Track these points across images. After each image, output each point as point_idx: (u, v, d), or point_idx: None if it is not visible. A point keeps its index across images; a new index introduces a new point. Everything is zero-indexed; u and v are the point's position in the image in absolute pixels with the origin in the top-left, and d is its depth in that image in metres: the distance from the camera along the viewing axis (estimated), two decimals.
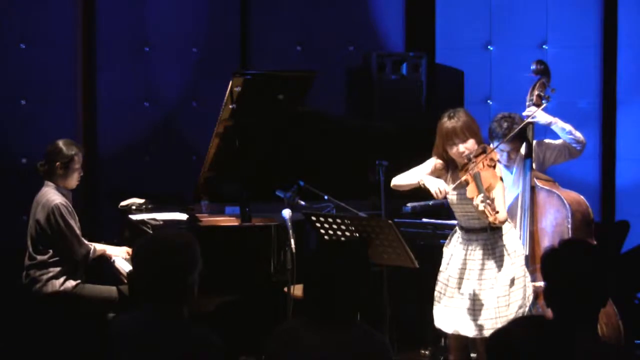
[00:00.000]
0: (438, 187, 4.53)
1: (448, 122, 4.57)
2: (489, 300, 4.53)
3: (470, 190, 4.43)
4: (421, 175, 4.67)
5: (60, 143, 5.28)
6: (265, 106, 5.86)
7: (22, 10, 6.89)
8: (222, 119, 5.69)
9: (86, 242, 5.29)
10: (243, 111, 5.62)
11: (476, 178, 4.43)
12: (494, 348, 2.47)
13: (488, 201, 4.30)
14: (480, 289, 4.57)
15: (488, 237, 4.59)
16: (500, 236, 4.62)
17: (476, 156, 4.50)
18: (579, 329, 2.80)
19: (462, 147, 4.55)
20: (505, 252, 4.59)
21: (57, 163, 5.21)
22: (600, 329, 4.66)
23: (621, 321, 5.04)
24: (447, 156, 4.68)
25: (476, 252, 4.60)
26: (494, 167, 4.54)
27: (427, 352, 5.84)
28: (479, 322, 4.54)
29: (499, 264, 4.57)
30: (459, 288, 4.61)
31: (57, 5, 7.05)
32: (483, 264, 4.58)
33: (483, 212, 4.29)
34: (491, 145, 4.92)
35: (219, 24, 7.54)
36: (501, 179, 4.60)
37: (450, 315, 4.63)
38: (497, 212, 4.30)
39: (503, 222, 4.48)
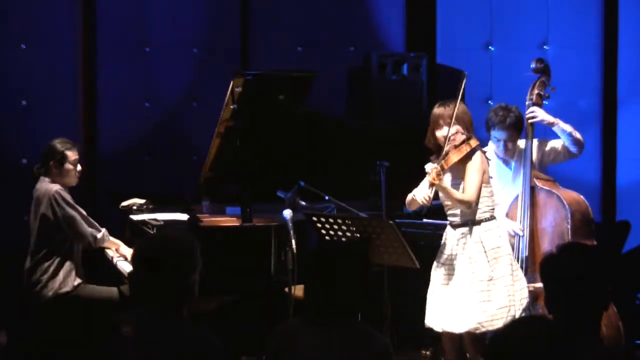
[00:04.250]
0: (421, 195, 4.65)
1: (438, 108, 4.70)
2: (468, 295, 4.58)
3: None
4: (413, 191, 4.79)
5: (53, 142, 5.30)
6: (266, 106, 5.86)
7: (23, 11, 6.89)
8: (222, 119, 5.69)
9: (90, 230, 5.26)
10: (244, 111, 5.62)
11: (445, 155, 4.62)
12: (494, 349, 2.46)
13: (436, 166, 4.50)
14: (460, 283, 4.63)
15: (468, 231, 4.66)
16: (484, 232, 4.67)
17: (456, 145, 4.61)
18: (580, 332, 2.79)
19: (445, 131, 4.62)
20: (483, 249, 4.64)
21: (51, 162, 5.22)
22: (601, 329, 4.65)
23: (621, 322, 5.04)
24: (436, 144, 4.74)
25: (458, 247, 4.68)
26: (469, 153, 4.66)
27: (427, 353, 5.84)
28: (457, 317, 4.58)
29: (477, 259, 4.63)
30: (445, 284, 4.68)
31: (58, 5, 7.05)
32: (464, 259, 4.65)
33: (430, 176, 4.50)
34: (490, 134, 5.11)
35: (219, 24, 7.54)
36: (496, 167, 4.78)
37: (437, 312, 4.69)
38: (439, 175, 4.50)
39: (466, 201, 4.63)
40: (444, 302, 4.67)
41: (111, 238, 5.43)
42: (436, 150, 4.79)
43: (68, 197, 5.18)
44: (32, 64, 6.91)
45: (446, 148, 4.62)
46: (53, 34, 7.01)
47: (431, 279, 4.81)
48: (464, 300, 4.59)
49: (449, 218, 4.80)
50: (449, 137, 4.62)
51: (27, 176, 5.79)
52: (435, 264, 4.82)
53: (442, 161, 4.60)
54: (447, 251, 4.73)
